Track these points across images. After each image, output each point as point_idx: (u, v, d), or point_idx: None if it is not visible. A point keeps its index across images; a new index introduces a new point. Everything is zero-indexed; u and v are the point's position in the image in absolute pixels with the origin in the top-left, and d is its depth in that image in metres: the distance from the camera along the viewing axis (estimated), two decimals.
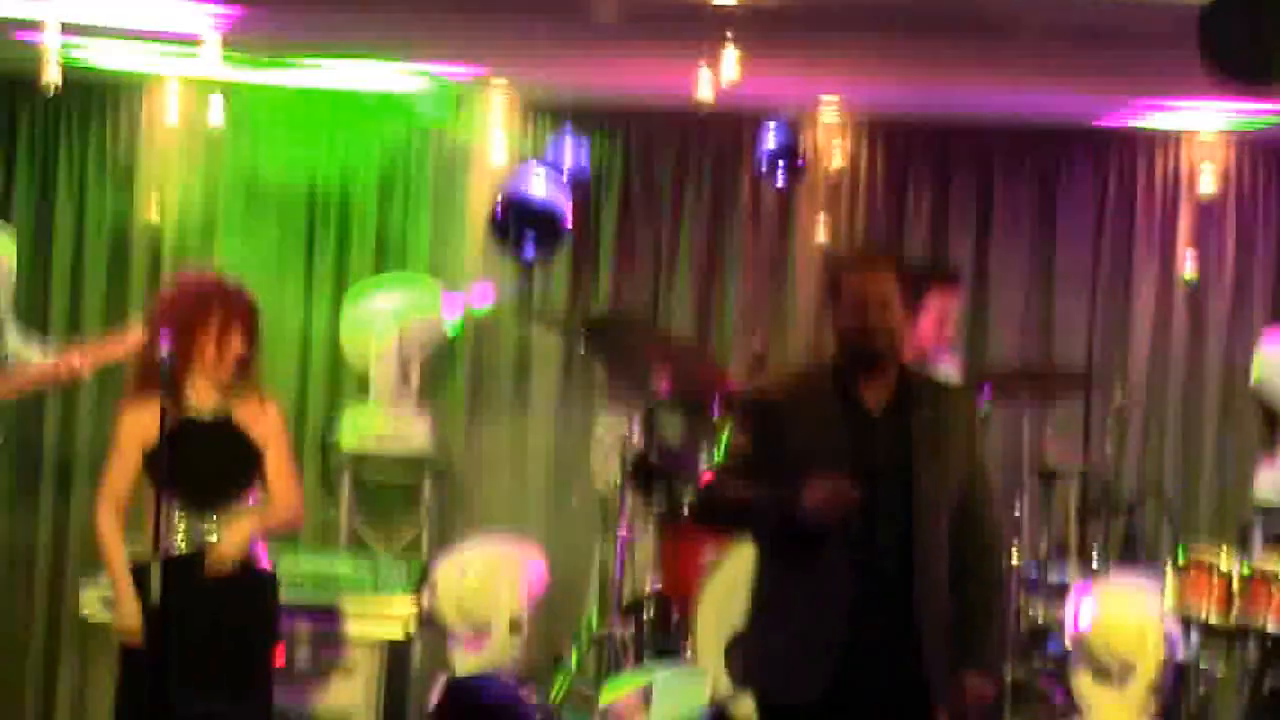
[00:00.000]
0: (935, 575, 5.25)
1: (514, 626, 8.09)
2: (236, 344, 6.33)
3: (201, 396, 6.34)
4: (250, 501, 6.44)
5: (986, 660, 5.38)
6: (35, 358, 7.82)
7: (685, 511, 8.31)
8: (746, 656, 5.41)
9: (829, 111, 9.66)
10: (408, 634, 7.96)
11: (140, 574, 6.24)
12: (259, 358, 6.51)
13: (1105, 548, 8.56)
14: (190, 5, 7.59)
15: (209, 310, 6.31)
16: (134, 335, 7.49)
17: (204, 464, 6.31)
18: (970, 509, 5.33)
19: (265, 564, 6.53)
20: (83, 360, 7.49)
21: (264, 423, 6.46)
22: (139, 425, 6.30)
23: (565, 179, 9.02)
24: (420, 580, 8.22)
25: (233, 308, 6.35)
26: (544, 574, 8.31)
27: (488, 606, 8.05)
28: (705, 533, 7.76)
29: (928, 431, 5.26)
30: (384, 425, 9.28)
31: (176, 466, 6.20)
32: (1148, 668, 7.91)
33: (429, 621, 8.15)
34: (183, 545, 6.30)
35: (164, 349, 6.16)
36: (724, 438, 7.80)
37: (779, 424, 5.27)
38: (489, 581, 8.09)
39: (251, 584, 6.47)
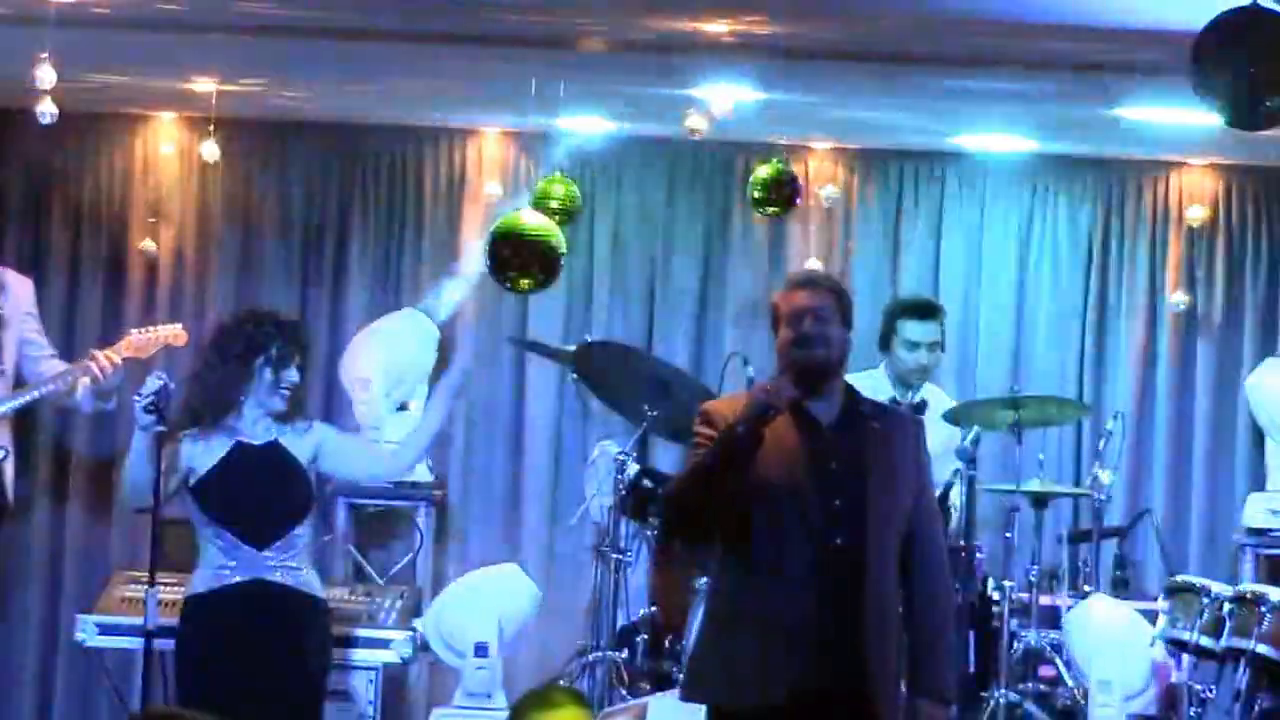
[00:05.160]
0: (885, 586, 5.36)
1: (503, 649, 8.13)
2: (293, 373, 6.41)
3: (255, 424, 6.40)
4: (303, 530, 6.46)
5: (941, 686, 5.49)
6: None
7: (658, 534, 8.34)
8: (698, 666, 5.50)
9: (821, 141, 9.71)
10: (404, 660, 7.99)
11: (197, 603, 6.27)
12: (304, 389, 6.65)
13: (1096, 572, 8.60)
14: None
15: (269, 339, 6.38)
16: (127, 347, 7.58)
17: (260, 489, 6.35)
18: (919, 540, 5.44)
19: (320, 592, 6.57)
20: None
21: (311, 437, 6.50)
22: (195, 452, 6.35)
23: (557, 210, 9.06)
24: (417, 606, 8.26)
25: (292, 338, 6.43)
26: (540, 599, 8.36)
27: (489, 632, 8.09)
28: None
29: (878, 444, 5.42)
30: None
31: (232, 492, 6.28)
32: (1139, 692, 7.98)
33: (426, 647, 8.18)
34: (236, 575, 6.33)
35: (221, 376, 6.27)
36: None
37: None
38: (490, 608, 8.14)
39: (308, 611, 6.49)
